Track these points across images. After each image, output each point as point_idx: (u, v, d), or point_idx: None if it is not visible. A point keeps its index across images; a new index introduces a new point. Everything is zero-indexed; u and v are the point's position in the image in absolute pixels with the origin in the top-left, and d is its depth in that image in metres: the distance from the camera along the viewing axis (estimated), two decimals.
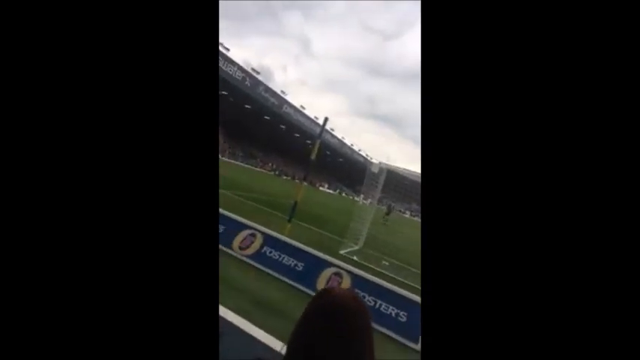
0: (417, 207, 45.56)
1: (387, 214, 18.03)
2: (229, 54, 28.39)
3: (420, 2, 0.71)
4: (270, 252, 4.66)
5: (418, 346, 3.59)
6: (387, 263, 7.30)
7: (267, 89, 33.87)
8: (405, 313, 3.83)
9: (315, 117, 40.87)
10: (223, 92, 30.03)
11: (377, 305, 3.93)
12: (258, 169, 36.74)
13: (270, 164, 42.54)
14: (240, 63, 29.98)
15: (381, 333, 3.67)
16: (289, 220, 6.21)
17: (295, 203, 6.35)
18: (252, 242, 4.80)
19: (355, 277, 4.21)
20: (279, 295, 3.87)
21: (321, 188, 42.73)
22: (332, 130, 44.75)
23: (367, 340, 0.64)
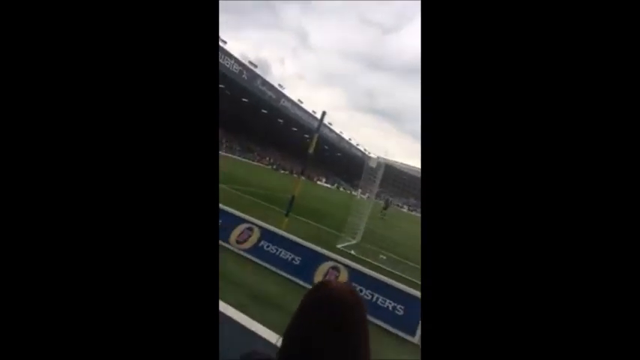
0: (414, 201, 45.82)
1: (385, 208, 18.11)
2: (226, 47, 28.19)
3: None
4: (268, 246, 4.66)
5: (415, 339, 3.62)
6: (384, 257, 7.34)
7: (265, 83, 33.70)
8: (402, 307, 3.86)
9: (313, 111, 40.79)
10: (220, 85, 29.88)
11: (374, 299, 3.95)
12: (255, 163, 36.72)
13: (267, 158, 42.52)
14: (238, 56, 29.82)
15: (378, 326, 3.70)
16: (287, 215, 6.21)
17: (293, 197, 6.35)
18: (250, 236, 4.80)
19: (352, 271, 4.23)
20: (277, 289, 3.88)
21: (318, 182, 42.81)
22: (330, 124, 44.71)
23: (363, 333, 0.64)
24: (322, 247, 4.74)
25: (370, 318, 3.68)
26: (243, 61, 30.70)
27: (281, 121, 40.97)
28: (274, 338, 2.49)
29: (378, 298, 3.95)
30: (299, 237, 4.80)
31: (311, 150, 6.50)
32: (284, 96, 36.61)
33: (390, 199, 22.07)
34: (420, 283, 5.81)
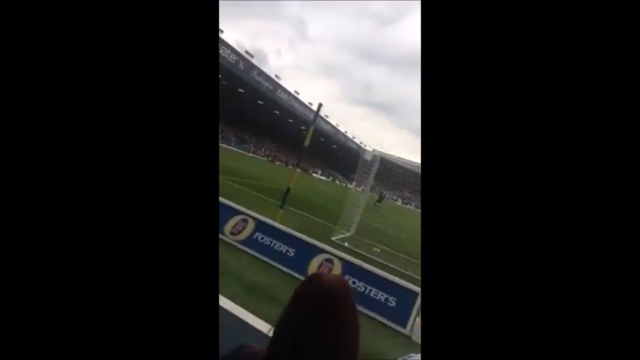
0: (409, 195, 45.96)
1: (379, 201, 18.17)
2: (223, 36, 27.80)
3: None
4: (262, 238, 4.67)
5: (406, 331, 3.67)
6: (378, 250, 7.39)
7: (261, 73, 33.34)
8: (394, 299, 3.91)
9: (310, 103, 40.51)
10: None
11: (367, 291, 3.99)
12: (250, 155, 36.52)
13: (263, 150, 42.28)
14: (234, 45, 29.42)
15: (371, 318, 3.74)
16: (281, 207, 6.21)
17: (288, 189, 6.35)
18: (244, 228, 4.80)
19: (346, 264, 4.27)
20: (270, 281, 3.90)
21: (314, 175, 42.76)
22: (326, 116, 44.49)
23: (353, 326, 0.64)
24: (316, 239, 4.76)
25: (363, 310, 3.74)
26: (240, 50, 30.34)
27: (277, 112, 40.66)
28: (266, 328, 2.51)
29: (370, 290, 3.99)
30: (294, 229, 4.81)
31: (307, 142, 6.48)
32: (280, 87, 36.28)
33: (384, 192, 22.13)
34: (412, 275, 5.88)
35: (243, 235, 4.74)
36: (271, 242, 4.61)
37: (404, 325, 3.72)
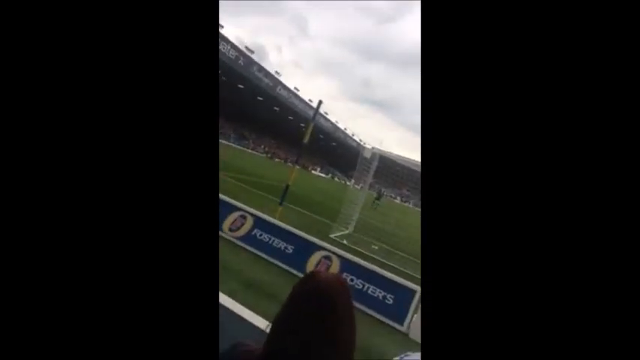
0: (407, 193, 46.02)
1: (377, 198, 18.18)
2: (223, 31, 27.67)
3: None
4: (261, 234, 4.67)
5: (403, 328, 3.69)
6: (376, 247, 7.41)
7: (261, 69, 33.21)
8: (392, 296, 3.92)
9: (309, 100, 40.42)
10: None
11: (365, 288, 4.00)
12: (250, 151, 36.47)
13: (262, 146, 42.23)
14: (234, 41, 29.30)
15: (369, 315, 3.76)
16: (280, 203, 6.21)
17: (287, 186, 6.35)
18: (243, 224, 4.81)
19: (344, 261, 4.27)
20: (268, 277, 3.91)
21: (313, 172, 42.75)
22: (326, 113, 44.36)
23: (351, 324, 0.65)
24: (315, 236, 4.77)
25: (361, 307, 3.75)
26: (240, 46, 30.20)
27: (277, 109, 40.57)
28: (263, 325, 2.52)
29: (368, 288, 4.01)
30: (292, 226, 4.82)
31: (306, 139, 6.47)
32: (280, 83, 36.18)
33: (383, 189, 22.15)
34: (410, 273, 5.90)
35: (242, 232, 4.74)
36: (270, 239, 4.62)
37: (401, 323, 3.74)
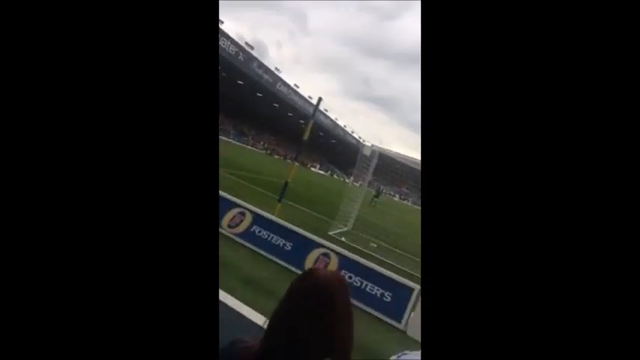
0: (406, 191, 46.08)
1: (376, 196, 18.19)
2: (223, 27, 27.54)
3: None
4: (260, 231, 4.68)
5: (401, 326, 3.71)
6: (375, 245, 7.42)
7: (261, 65, 33.10)
8: (390, 294, 3.93)
9: (309, 96, 40.32)
10: None
11: (363, 285, 4.01)
12: (249, 147, 36.42)
13: (261, 142, 42.17)
14: (234, 37, 29.17)
15: (366, 312, 3.77)
16: (279, 200, 6.21)
17: (286, 183, 6.35)
18: (242, 221, 4.81)
19: (343, 258, 4.28)
20: (267, 274, 3.92)
21: (312, 169, 42.72)
22: (325, 110, 44.30)
23: (349, 321, 0.65)
24: (314, 233, 4.78)
25: (359, 304, 3.76)
26: (240, 42, 30.08)
27: (276, 105, 40.47)
28: (262, 321, 2.53)
29: (366, 285, 4.02)
30: (291, 223, 4.82)
31: (306, 136, 6.46)
32: (280, 80, 36.07)
33: (382, 187, 22.17)
34: (408, 270, 5.91)
35: (241, 228, 4.74)
36: (268, 236, 4.62)
37: (399, 320, 3.75)
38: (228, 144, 27.73)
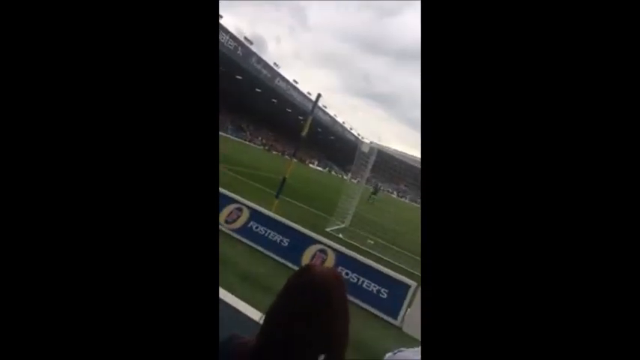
0: (404, 188, 46.19)
1: (374, 193, 18.21)
2: (222, 21, 27.35)
3: None
4: (257, 227, 4.68)
5: (397, 322, 3.73)
6: (372, 242, 7.44)
7: (260, 60, 32.94)
8: (386, 290, 3.95)
9: (308, 92, 40.23)
10: None
11: (359, 282, 4.03)
12: (247, 143, 36.35)
13: (259, 138, 42.08)
14: (233, 31, 29.01)
15: (363, 309, 3.79)
16: (277, 196, 6.21)
17: (284, 179, 6.34)
18: (239, 216, 4.80)
19: (340, 255, 4.29)
20: (264, 270, 3.92)
21: (310, 165, 42.71)
22: (324, 106, 44.23)
23: (345, 317, 0.65)
24: (311, 230, 4.78)
25: (355, 300, 3.78)
26: (239, 37, 29.91)
27: (275, 101, 40.35)
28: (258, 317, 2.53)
29: (363, 282, 4.03)
30: (289, 219, 4.82)
31: (304, 132, 6.45)
32: (279, 75, 35.94)
33: (380, 184, 22.20)
34: (405, 267, 5.94)
35: (238, 224, 4.74)
36: (266, 232, 4.62)
37: (395, 317, 3.77)
38: (226, 139, 27.66)
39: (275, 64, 35.29)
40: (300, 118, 40.50)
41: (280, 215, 4.89)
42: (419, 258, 7.59)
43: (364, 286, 4.00)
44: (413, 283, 3.95)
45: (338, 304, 0.64)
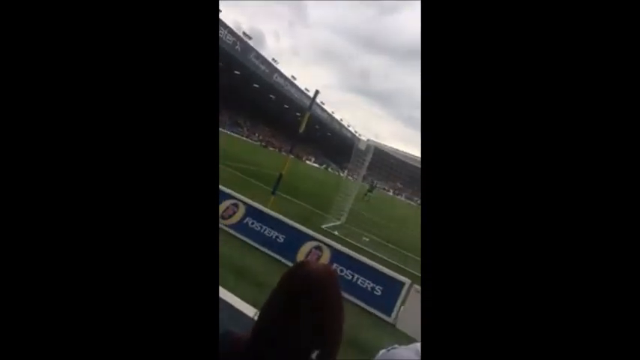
0: (400, 186, 46.30)
1: (370, 190, 18.23)
2: (220, 15, 27.13)
3: None
4: (252, 223, 4.67)
5: (390, 319, 3.75)
6: (367, 239, 7.47)
7: (258, 56, 32.76)
8: (381, 288, 3.97)
9: (306, 89, 40.09)
10: None
11: (354, 279, 4.05)
12: (244, 139, 36.21)
13: (256, 134, 41.92)
14: (231, 26, 28.81)
15: (357, 305, 3.81)
16: (273, 193, 6.20)
17: (280, 176, 6.33)
18: (235, 212, 4.80)
19: (335, 252, 4.30)
20: (259, 266, 3.92)
21: (307, 162, 42.65)
22: (322, 103, 44.09)
23: (339, 314, 0.65)
24: (307, 226, 4.79)
25: (349, 297, 3.79)
26: (238, 31, 29.71)
27: (273, 97, 40.19)
28: (253, 313, 2.54)
29: (358, 279, 4.05)
30: (285, 216, 4.82)
31: (302, 129, 6.44)
32: (277, 71, 35.77)
33: (376, 182, 22.22)
34: (399, 265, 5.97)
35: (234, 220, 4.73)
36: (261, 228, 4.62)
37: (389, 314, 3.80)
38: (223, 135, 27.53)
39: (273, 59, 35.14)
40: (298, 114, 40.38)
41: (276, 211, 4.89)
42: (413, 255, 7.63)
43: (359, 283, 4.02)
44: (407, 281, 3.98)
45: (332, 301, 0.64)
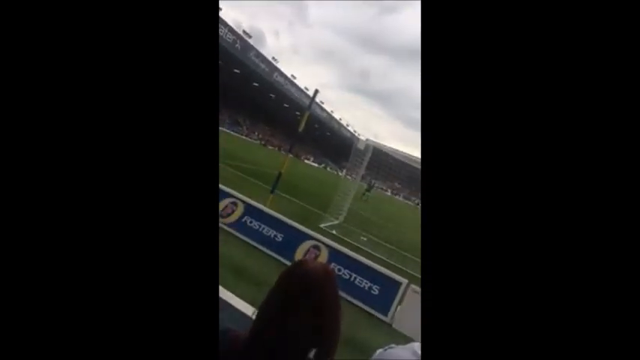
0: (398, 186, 46.31)
1: (368, 190, 18.23)
2: (220, 14, 27.06)
3: None
4: (251, 221, 4.68)
5: (387, 319, 3.76)
6: (365, 239, 7.47)
7: (258, 54, 32.68)
8: (378, 287, 3.98)
9: (306, 88, 40.03)
10: None
11: (352, 278, 4.05)
12: (244, 137, 36.14)
13: (256, 133, 41.85)
14: (231, 24, 28.75)
15: (354, 305, 3.82)
16: (272, 191, 6.20)
17: (279, 174, 6.33)
18: (234, 211, 4.80)
19: (333, 251, 4.31)
20: (257, 265, 3.93)
21: (306, 161, 42.59)
22: (321, 102, 44.04)
23: (337, 313, 0.66)
24: (305, 225, 4.79)
25: (347, 297, 3.80)
26: (238, 30, 29.63)
27: (272, 95, 40.11)
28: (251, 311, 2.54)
29: (355, 278, 4.06)
30: (283, 215, 4.82)
31: (301, 128, 6.43)
32: (277, 70, 35.69)
33: (375, 181, 22.21)
34: (396, 265, 5.98)
35: (232, 218, 4.73)
36: (260, 226, 4.62)
37: (385, 314, 3.81)
38: (223, 134, 27.46)
39: (273, 58, 35.06)
40: (297, 113, 40.31)
41: (275, 210, 4.89)
42: (410, 255, 7.64)
43: (356, 282, 4.03)
44: (404, 280, 3.99)
45: (330, 300, 0.65)
